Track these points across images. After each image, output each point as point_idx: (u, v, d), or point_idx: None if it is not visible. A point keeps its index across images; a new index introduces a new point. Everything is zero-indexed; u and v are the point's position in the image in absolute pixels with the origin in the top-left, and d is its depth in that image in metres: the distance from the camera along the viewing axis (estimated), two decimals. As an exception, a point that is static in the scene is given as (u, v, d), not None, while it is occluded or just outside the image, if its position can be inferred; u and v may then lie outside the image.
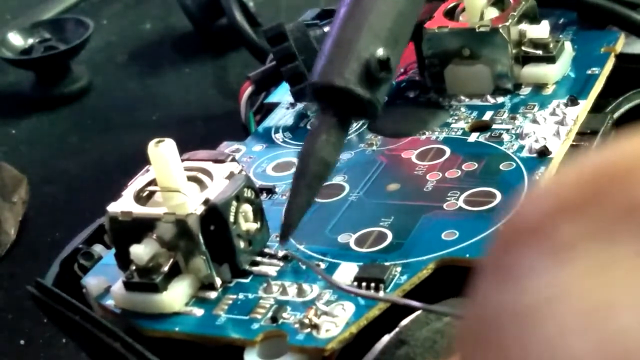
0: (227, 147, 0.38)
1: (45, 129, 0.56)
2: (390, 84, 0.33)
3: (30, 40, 0.59)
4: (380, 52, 0.32)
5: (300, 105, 0.40)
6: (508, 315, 0.12)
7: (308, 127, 0.39)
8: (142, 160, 0.29)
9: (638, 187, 0.12)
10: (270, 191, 0.35)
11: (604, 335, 0.11)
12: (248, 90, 0.41)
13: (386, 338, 0.27)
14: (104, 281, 0.31)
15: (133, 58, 0.63)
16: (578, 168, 0.13)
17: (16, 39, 0.59)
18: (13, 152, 0.54)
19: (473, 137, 0.35)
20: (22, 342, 0.40)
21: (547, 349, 0.11)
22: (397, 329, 0.27)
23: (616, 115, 0.36)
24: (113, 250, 0.30)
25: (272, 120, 0.40)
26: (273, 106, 0.41)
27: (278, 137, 0.39)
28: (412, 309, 0.27)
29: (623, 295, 0.11)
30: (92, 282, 0.31)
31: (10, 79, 0.61)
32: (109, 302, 0.30)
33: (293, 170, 0.32)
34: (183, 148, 0.32)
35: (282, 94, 0.42)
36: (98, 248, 0.33)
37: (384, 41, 0.32)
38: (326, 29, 0.40)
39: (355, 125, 0.38)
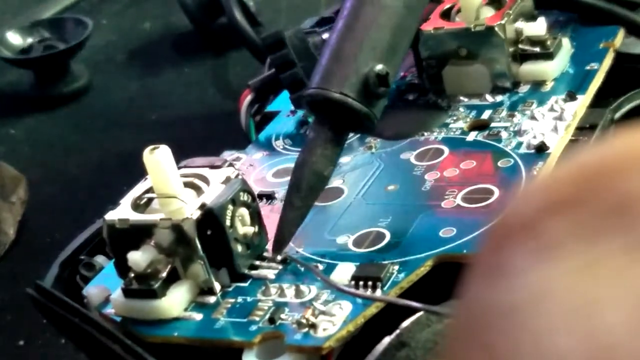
0: (227, 155, 0.38)
1: (45, 129, 0.56)
2: (387, 98, 0.33)
3: (30, 40, 0.59)
4: (380, 67, 0.32)
5: (300, 112, 0.40)
6: (496, 312, 0.12)
7: (307, 133, 0.39)
8: (142, 160, 0.29)
9: (627, 184, 0.12)
10: (269, 197, 0.35)
11: (589, 332, 0.11)
12: (248, 98, 0.40)
13: (387, 340, 0.27)
14: (105, 290, 0.31)
15: (133, 58, 0.63)
16: (569, 165, 0.13)
17: (15, 39, 0.59)
18: (12, 152, 0.54)
19: (471, 136, 0.35)
20: (22, 342, 0.40)
21: (533, 346, 0.11)
22: (397, 331, 0.27)
23: (617, 115, 0.36)
24: (114, 260, 0.30)
25: (272, 128, 0.40)
26: (273, 115, 0.41)
27: (278, 144, 0.39)
28: (411, 309, 0.27)
29: (608, 292, 0.11)
30: (93, 291, 0.31)
31: (9, 79, 0.62)
32: (110, 310, 0.30)
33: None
34: (182, 148, 0.32)
35: (283, 102, 0.42)
36: (100, 259, 0.33)
37: (384, 56, 0.32)
38: (325, 35, 0.40)
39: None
